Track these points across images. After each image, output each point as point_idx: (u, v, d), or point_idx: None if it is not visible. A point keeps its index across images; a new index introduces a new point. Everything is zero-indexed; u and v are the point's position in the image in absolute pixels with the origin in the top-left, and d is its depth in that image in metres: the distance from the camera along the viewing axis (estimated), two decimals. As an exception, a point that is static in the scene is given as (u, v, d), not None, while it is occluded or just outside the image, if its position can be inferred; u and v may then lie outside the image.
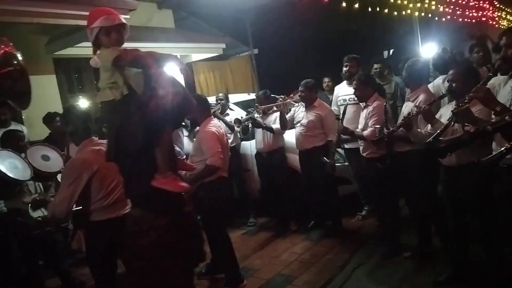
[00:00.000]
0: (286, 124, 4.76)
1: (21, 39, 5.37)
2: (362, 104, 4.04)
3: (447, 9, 9.97)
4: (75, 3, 4.72)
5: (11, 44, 2.49)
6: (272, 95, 5.16)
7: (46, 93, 6.18)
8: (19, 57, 2.49)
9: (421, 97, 3.42)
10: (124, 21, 1.98)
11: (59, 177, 3.48)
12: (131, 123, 1.89)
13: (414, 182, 3.56)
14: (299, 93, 4.68)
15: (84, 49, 6.10)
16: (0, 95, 2.68)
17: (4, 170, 3.12)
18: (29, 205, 3.33)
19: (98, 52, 2.01)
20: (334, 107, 4.97)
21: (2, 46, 2.49)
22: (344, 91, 4.86)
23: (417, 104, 3.34)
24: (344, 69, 4.78)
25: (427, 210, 3.60)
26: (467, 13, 10.97)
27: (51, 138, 4.68)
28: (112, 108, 1.94)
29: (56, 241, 3.82)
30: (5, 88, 2.44)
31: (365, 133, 3.80)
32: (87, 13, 5.07)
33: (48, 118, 4.74)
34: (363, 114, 3.97)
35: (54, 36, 5.81)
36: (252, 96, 6.44)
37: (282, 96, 4.87)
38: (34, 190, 3.65)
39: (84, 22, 5.02)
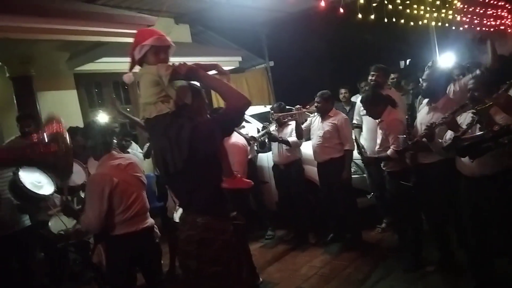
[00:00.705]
0: (302, 133, 4.74)
1: (44, 55, 5.53)
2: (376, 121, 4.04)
3: (464, 19, 9.85)
4: (96, 20, 4.85)
5: (62, 123, 2.73)
6: (287, 107, 5.17)
7: (67, 108, 6.32)
8: (66, 137, 2.74)
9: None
10: (172, 44, 2.07)
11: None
12: (204, 130, 1.95)
13: (437, 193, 3.49)
14: (315, 104, 4.67)
15: (103, 64, 6.23)
16: (42, 167, 2.92)
17: (28, 186, 3.18)
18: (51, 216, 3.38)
19: (140, 68, 2.06)
20: (356, 117, 4.92)
21: (54, 125, 2.74)
22: None
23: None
24: (370, 78, 4.66)
25: (447, 221, 3.53)
26: (485, 22, 10.83)
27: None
28: (170, 120, 1.95)
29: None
30: (48, 163, 2.70)
31: (389, 152, 3.72)
32: (107, 30, 5.22)
33: (70, 133, 4.80)
34: (379, 130, 3.95)
35: (75, 52, 5.96)
36: (268, 108, 6.46)
37: (298, 106, 4.86)
38: (60, 202, 3.71)
39: (104, 38, 5.19)
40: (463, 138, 2.65)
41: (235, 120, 2.07)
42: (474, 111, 2.64)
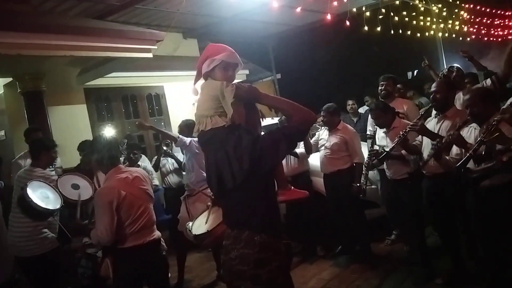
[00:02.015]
0: (311, 147, 4.73)
1: (55, 71, 5.63)
2: (382, 130, 4.05)
3: (471, 29, 9.86)
4: (105, 36, 4.94)
5: None
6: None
7: (77, 122, 6.42)
8: None
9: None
10: (241, 62, 2.06)
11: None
12: (268, 142, 1.90)
13: (450, 204, 3.45)
14: (321, 118, 4.68)
15: (113, 79, 6.32)
16: None
17: (36, 200, 3.16)
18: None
19: (204, 81, 2.05)
20: (369, 128, 4.90)
21: None
22: None
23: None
24: (380, 87, 4.68)
25: (459, 233, 3.48)
26: (492, 32, 10.83)
27: (80, 167, 4.79)
28: (226, 133, 1.91)
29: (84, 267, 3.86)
30: None
31: (404, 152, 3.73)
32: (116, 45, 5.30)
33: (83, 147, 4.80)
34: (388, 139, 3.96)
35: (85, 67, 6.06)
36: (276, 120, 6.47)
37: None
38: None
39: (113, 54, 5.28)
40: (472, 170, 2.67)
41: (301, 134, 2.01)
42: (483, 140, 2.61)
